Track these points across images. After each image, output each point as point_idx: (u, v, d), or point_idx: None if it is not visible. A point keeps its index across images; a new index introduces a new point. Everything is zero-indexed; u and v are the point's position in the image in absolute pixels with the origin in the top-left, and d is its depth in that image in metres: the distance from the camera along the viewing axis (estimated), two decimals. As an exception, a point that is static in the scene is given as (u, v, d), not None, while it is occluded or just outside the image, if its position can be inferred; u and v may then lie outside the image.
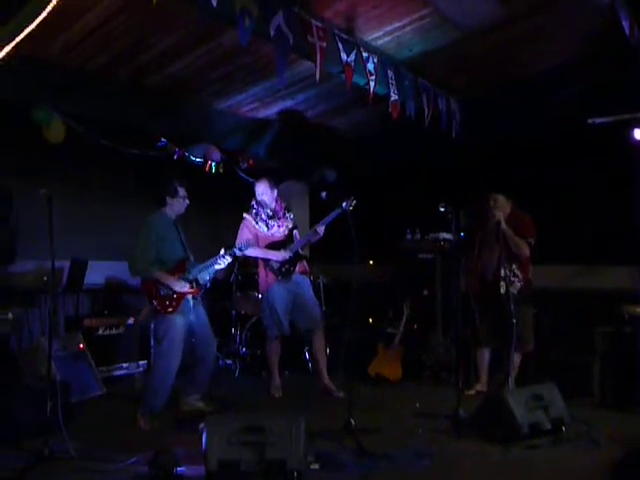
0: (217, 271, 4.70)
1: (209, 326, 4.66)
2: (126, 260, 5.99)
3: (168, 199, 4.54)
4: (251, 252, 5.18)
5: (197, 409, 4.57)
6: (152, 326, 5.02)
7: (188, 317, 4.48)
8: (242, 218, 5.38)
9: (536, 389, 4.06)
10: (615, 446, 3.79)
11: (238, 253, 4.78)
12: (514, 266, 5.11)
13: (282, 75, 4.21)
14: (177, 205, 4.57)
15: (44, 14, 3.56)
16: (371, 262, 7.31)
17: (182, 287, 4.40)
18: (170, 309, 4.36)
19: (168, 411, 4.56)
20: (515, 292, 5.02)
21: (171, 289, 4.37)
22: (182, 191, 4.57)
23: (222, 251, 4.59)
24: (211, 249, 4.77)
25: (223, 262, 4.59)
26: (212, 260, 4.57)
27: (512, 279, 5.07)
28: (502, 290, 5.04)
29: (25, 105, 4.84)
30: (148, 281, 4.42)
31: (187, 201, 4.61)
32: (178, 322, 4.38)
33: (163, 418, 4.40)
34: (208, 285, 4.76)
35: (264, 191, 5.33)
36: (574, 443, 3.87)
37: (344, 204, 4.89)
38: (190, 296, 4.49)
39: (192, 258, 4.64)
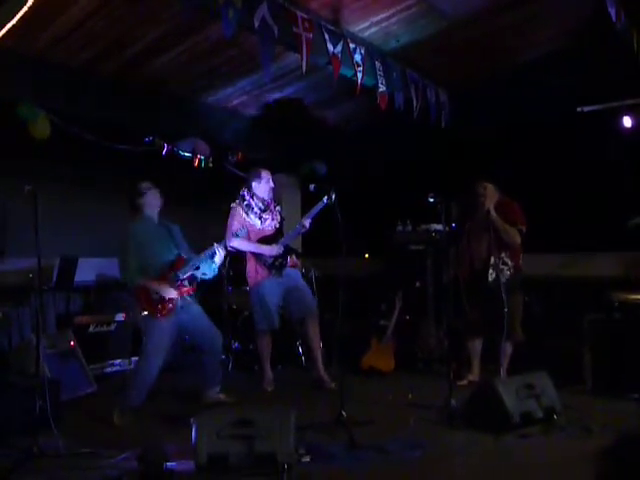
0: (218, 266, 4.62)
1: (208, 319, 4.64)
2: (116, 256, 5.98)
3: (138, 201, 4.54)
4: (244, 247, 5.16)
5: (219, 401, 4.59)
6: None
7: (178, 317, 4.43)
8: (229, 208, 5.30)
9: (527, 378, 4.06)
10: (607, 433, 3.79)
11: (236, 237, 4.82)
12: (503, 254, 5.09)
13: (267, 67, 4.17)
14: (149, 200, 4.54)
15: (25, 9, 3.53)
16: (367, 255, 7.30)
17: (170, 293, 4.36)
18: (161, 313, 4.34)
19: (158, 407, 4.57)
20: (505, 280, 5.01)
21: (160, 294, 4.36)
22: (145, 185, 4.55)
23: (215, 244, 4.53)
24: (199, 243, 4.76)
25: (218, 253, 4.51)
26: (206, 253, 4.52)
27: (502, 267, 5.06)
28: (490, 278, 5.04)
29: (9, 101, 4.79)
30: (138, 288, 4.38)
31: (155, 191, 4.56)
32: (165, 325, 4.36)
33: (153, 413, 4.40)
34: (211, 277, 4.72)
35: (269, 180, 5.31)
36: (566, 431, 3.87)
37: (325, 198, 4.87)
38: (180, 296, 4.45)
39: (187, 255, 4.59)
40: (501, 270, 5.05)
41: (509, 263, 5.10)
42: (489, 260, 5.08)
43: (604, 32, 4.76)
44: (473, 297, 5.25)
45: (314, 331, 5.36)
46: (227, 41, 4.44)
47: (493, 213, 5.04)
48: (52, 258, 5.69)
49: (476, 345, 5.35)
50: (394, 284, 6.39)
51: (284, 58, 5.15)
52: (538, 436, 3.80)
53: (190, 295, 4.54)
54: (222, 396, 4.67)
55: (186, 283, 4.50)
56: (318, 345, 5.38)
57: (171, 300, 4.37)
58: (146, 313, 4.35)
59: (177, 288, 4.42)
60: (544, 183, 5.83)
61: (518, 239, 5.09)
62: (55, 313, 5.91)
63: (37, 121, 4.92)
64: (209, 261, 4.54)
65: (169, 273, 4.43)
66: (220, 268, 4.73)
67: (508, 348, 5.11)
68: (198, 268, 4.53)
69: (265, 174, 5.29)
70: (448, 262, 5.49)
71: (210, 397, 4.63)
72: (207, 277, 4.64)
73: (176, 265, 4.48)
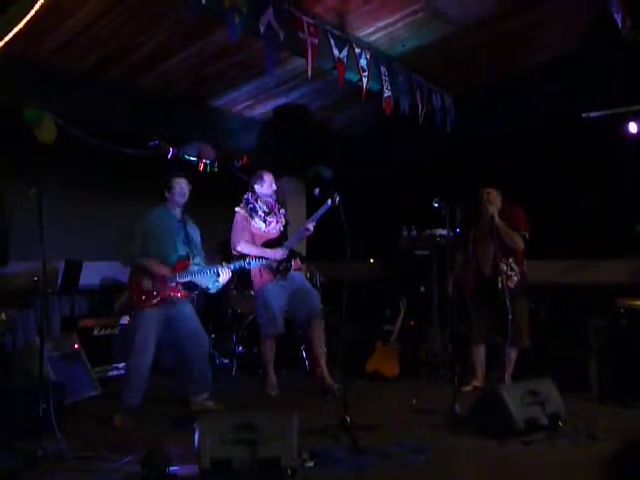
0: (221, 283, 4.60)
1: (197, 322, 4.60)
2: (121, 260, 5.98)
3: (166, 193, 4.56)
4: (249, 251, 5.16)
5: (206, 409, 4.53)
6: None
7: (168, 312, 4.43)
8: (234, 212, 5.31)
9: (532, 384, 4.03)
10: (612, 440, 3.76)
11: (248, 266, 4.80)
12: (510, 260, 5.08)
13: (272, 72, 4.20)
14: (176, 196, 4.54)
15: (32, 13, 3.55)
16: (372, 260, 7.29)
17: (165, 272, 4.35)
18: (146, 304, 4.34)
19: (162, 410, 4.57)
20: (513, 286, 5.00)
21: (155, 278, 4.34)
22: (176, 181, 4.56)
23: (223, 265, 4.55)
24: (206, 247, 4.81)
25: (222, 274, 4.52)
26: (211, 269, 4.54)
27: (509, 273, 5.05)
28: (500, 285, 5.02)
29: (16, 106, 4.82)
30: (134, 273, 4.40)
31: (184, 189, 4.56)
32: (152, 318, 4.35)
33: (156, 417, 4.40)
34: (214, 292, 4.73)
35: (272, 183, 5.30)
36: (571, 438, 3.84)
37: (329, 201, 4.86)
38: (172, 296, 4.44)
39: (197, 261, 4.59)
40: (509, 277, 5.04)
41: (516, 269, 5.09)
42: (496, 266, 5.05)
43: (610, 38, 4.76)
44: (479, 304, 5.23)
45: (319, 333, 5.34)
46: (233, 46, 4.49)
47: (497, 219, 5.02)
48: (57, 261, 5.70)
49: (480, 351, 5.32)
50: (399, 289, 6.39)
51: (290, 63, 5.16)
52: (542, 442, 3.77)
53: (181, 298, 4.52)
54: (210, 403, 4.61)
55: (181, 287, 4.49)
56: (322, 348, 5.36)
57: (162, 295, 4.36)
58: (134, 301, 4.36)
59: (171, 287, 4.42)
60: (549, 188, 5.82)
61: (522, 244, 5.08)
62: (60, 316, 5.91)
63: (43, 125, 4.93)
64: (213, 277, 4.54)
65: (175, 270, 4.43)
66: (225, 285, 4.71)
67: (513, 353, 5.08)
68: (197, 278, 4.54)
69: (267, 176, 5.29)
70: (452, 267, 5.47)
71: (198, 404, 4.57)
72: (210, 291, 4.65)
73: (178, 266, 4.48)
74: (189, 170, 6.11)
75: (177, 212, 4.59)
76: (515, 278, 5.08)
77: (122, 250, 4.47)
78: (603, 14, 4.54)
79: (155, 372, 4.46)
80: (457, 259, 5.45)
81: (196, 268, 4.53)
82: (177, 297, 4.47)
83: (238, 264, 4.65)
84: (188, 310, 4.59)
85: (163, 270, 4.39)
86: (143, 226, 4.45)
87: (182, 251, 4.53)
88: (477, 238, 5.26)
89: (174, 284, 4.43)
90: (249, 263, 4.75)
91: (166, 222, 4.53)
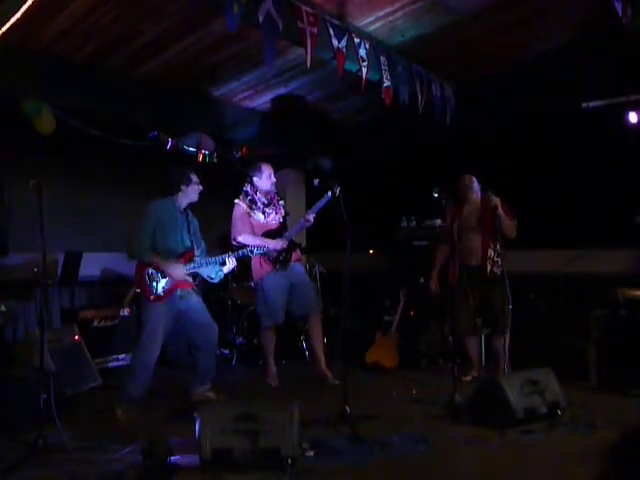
0: (225, 272, 4.65)
1: (206, 313, 4.61)
2: (121, 251, 5.99)
3: (183, 187, 4.57)
4: (249, 242, 5.16)
5: (207, 399, 4.56)
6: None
7: (176, 307, 4.44)
8: (234, 204, 5.31)
9: (531, 374, 4.05)
10: (611, 429, 3.79)
11: (251, 254, 4.79)
12: (499, 247, 5.07)
13: (270, 62, 4.16)
14: (191, 192, 4.59)
15: (29, 3, 3.52)
16: (371, 251, 7.29)
17: (176, 273, 4.38)
18: (154, 297, 4.36)
19: (163, 401, 4.58)
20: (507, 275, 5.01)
21: (164, 274, 4.37)
22: (195, 178, 4.61)
23: (228, 253, 4.57)
24: (205, 238, 4.81)
25: (228, 263, 4.55)
26: (216, 259, 4.55)
27: (497, 259, 5.04)
28: (489, 272, 5.02)
29: (14, 97, 4.79)
30: (141, 266, 4.41)
31: (200, 187, 4.63)
32: (161, 311, 4.37)
33: (157, 408, 4.41)
34: (217, 282, 4.75)
35: (270, 174, 5.29)
36: (570, 427, 3.87)
37: (329, 192, 4.85)
38: (179, 288, 4.46)
39: (200, 251, 4.63)
40: (496, 263, 5.03)
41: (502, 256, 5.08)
42: (486, 254, 5.04)
43: (610, 27, 4.74)
44: (466, 294, 5.15)
45: (317, 329, 5.36)
46: (232, 35, 4.46)
47: (500, 209, 4.98)
48: (57, 253, 5.70)
49: (472, 342, 5.31)
50: (398, 280, 6.39)
51: (289, 53, 5.14)
52: (542, 432, 3.79)
53: (189, 289, 4.54)
54: (211, 394, 4.64)
55: (188, 278, 4.51)
56: (320, 343, 5.39)
57: (170, 287, 4.38)
58: (143, 294, 4.38)
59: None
60: (549, 178, 5.81)
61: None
62: (60, 307, 5.93)
63: (42, 117, 4.91)
64: (217, 267, 4.57)
65: (180, 262, 4.45)
66: (227, 275, 4.74)
67: (507, 341, 5.07)
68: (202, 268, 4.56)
69: (266, 168, 5.29)
70: (435, 260, 5.46)
71: (199, 394, 4.60)
72: (213, 281, 4.67)
73: (183, 258, 4.49)
74: (188, 161, 6.12)
75: (182, 204, 4.60)
76: (502, 266, 5.08)
77: (132, 246, 4.46)
78: (604, 3, 4.51)
79: (157, 363, 4.45)
80: (440, 251, 5.44)
81: (200, 260, 4.56)
82: (183, 288, 4.48)
83: (242, 252, 4.65)
84: (196, 302, 4.60)
85: (170, 265, 4.40)
86: (149, 219, 4.45)
87: (187, 242, 4.56)
88: (464, 228, 5.23)
89: None
90: (251, 251, 4.74)
91: (172, 213, 4.55)
